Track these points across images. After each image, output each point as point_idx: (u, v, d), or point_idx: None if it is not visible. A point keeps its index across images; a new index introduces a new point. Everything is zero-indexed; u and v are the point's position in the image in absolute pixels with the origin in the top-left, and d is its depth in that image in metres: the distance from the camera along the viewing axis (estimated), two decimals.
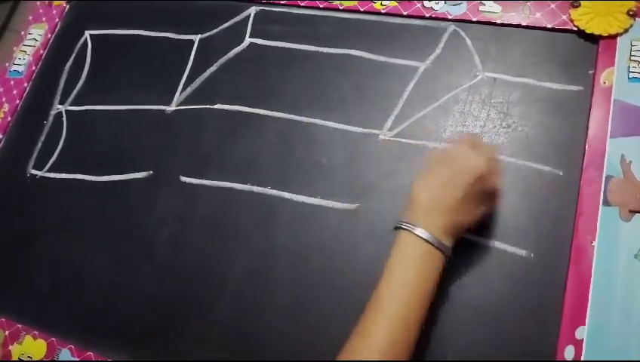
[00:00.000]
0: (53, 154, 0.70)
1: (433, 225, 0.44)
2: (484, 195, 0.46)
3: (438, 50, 0.60)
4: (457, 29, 0.60)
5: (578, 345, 0.45)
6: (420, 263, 0.44)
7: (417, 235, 0.44)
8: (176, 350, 0.55)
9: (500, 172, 0.47)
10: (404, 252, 0.45)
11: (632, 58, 0.53)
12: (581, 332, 0.45)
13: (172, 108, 0.67)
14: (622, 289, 0.45)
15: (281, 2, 0.68)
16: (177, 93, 0.68)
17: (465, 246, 0.51)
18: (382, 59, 0.61)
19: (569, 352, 0.45)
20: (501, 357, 0.47)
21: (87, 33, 0.77)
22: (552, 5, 0.57)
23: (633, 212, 0.47)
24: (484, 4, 0.59)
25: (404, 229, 0.45)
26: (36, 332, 0.60)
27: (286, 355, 0.52)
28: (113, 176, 0.66)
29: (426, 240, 0.44)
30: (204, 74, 0.68)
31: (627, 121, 0.51)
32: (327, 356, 0.44)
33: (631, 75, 0.52)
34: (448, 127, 0.56)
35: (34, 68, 0.76)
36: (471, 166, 0.45)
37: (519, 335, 0.47)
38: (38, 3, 0.81)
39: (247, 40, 0.68)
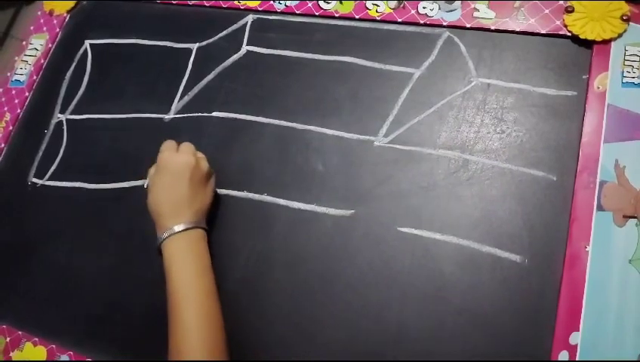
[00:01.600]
0: (54, 162, 0.71)
1: (182, 220, 0.52)
2: (204, 178, 0.56)
3: (432, 57, 0.60)
4: (452, 35, 0.60)
5: (572, 350, 0.45)
6: (193, 250, 0.52)
7: (177, 232, 0.51)
8: None
9: (203, 157, 0.57)
10: (176, 256, 0.51)
11: (626, 63, 0.53)
12: (575, 338, 0.45)
13: (170, 116, 0.68)
14: (616, 295, 0.45)
15: (278, 10, 0.69)
16: (175, 101, 0.68)
17: (459, 251, 0.51)
18: (377, 65, 0.62)
19: (563, 357, 0.45)
20: None
21: (87, 43, 0.77)
22: (546, 11, 0.57)
23: (627, 217, 0.48)
24: (479, 11, 0.60)
25: (165, 239, 0.52)
26: (36, 339, 0.60)
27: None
28: (113, 183, 0.67)
29: (185, 229, 0.52)
30: (202, 82, 0.68)
31: (621, 126, 0.51)
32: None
33: (625, 79, 0.52)
34: (443, 133, 0.56)
35: (35, 77, 0.77)
36: (181, 164, 0.54)
37: (513, 341, 0.47)
38: (39, 13, 0.83)
39: (245, 48, 0.68)
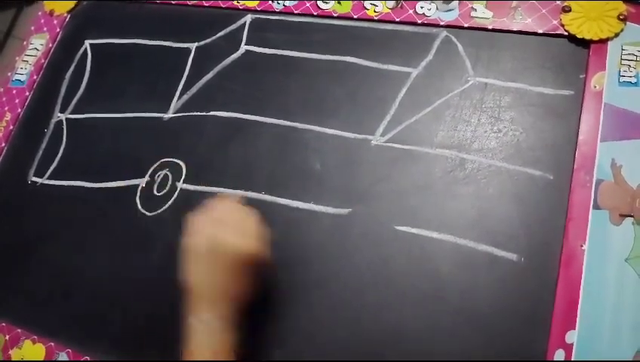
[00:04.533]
0: (54, 161, 0.71)
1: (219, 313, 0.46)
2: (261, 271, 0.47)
3: (430, 56, 0.60)
4: (449, 34, 0.60)
5: (568, 349, 0.45)
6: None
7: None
8: (173, 355, 0.56)
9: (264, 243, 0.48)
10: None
11: (623, 62, 0.53)
12: (571, 336, 0.45)
13: (169, 115, 0.68)
14: (612, 294, 0.45)
15: (276, 10, 0.69)
16: (174, 101, 0.69)
17: (455, 250, 0.51)
18: (375, 65, 0.62)
19: (559, 356, 0.45)
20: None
21: (87, 42, 0.78)
22: (543, 10, 0.58)
23: (624, 216, 0.48)
24: (476, 10, 0.60)
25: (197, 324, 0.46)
26: (35, 337, 0.61)
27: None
28: (112, 182, 0.67)
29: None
30: (201, 81, 0.69)
31: (618, 125, 0.51)
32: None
33: (622, 78, 0.53)
34: (440, 132, 0.56)
35: (35, 77, 0.78)
36: (237, 250, 0.46)
37: (510, 339, 0.47)
38: (39, 13, 0.83)
39: (243, 47, 0.69)
